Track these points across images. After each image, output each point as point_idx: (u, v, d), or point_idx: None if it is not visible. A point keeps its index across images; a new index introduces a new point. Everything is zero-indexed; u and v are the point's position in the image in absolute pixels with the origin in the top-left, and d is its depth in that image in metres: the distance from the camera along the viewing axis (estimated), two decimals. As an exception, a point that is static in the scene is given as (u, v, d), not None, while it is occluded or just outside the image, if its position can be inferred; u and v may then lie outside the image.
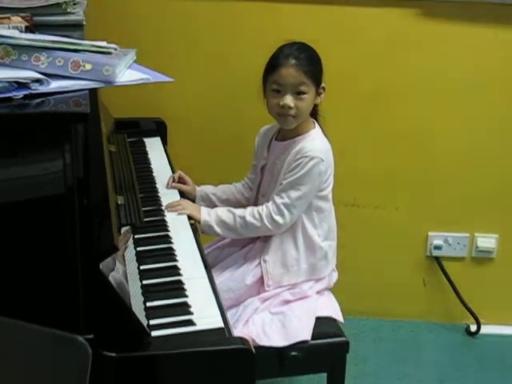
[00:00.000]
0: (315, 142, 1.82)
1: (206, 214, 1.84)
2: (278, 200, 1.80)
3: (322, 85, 1.84)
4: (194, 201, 1.97)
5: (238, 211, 1.84)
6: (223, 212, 1.85)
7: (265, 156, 1.95)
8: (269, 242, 1.85)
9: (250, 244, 1.92)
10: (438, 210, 2.56)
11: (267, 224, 1.80)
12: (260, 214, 1.80)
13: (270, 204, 1.81)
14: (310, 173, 1.78)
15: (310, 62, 1.80)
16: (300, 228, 1.85)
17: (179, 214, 1.80)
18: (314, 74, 1.80)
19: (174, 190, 1.95)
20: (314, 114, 1.90)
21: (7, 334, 0.89)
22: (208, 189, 2.04)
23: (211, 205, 1.99)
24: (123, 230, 1.51)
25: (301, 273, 1.86)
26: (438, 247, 2.59)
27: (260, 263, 1.84)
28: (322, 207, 1.86)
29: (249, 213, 1.82)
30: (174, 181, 1.98)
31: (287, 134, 1.88)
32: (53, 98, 1.24)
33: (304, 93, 1.78)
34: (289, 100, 1.78)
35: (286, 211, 1.79)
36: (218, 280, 1.69)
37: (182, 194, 1.95)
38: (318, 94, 1.84)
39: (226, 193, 2.04)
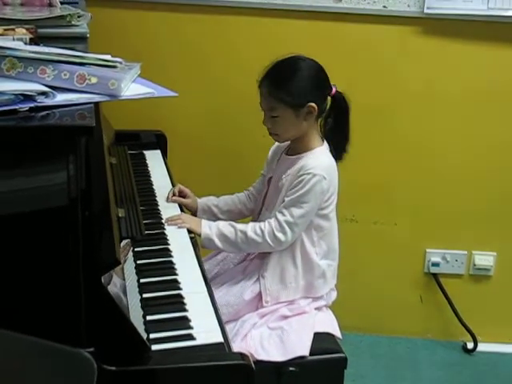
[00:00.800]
0: (318, 160, 1.80)
1: (207, 228, 1.82)
2: (281, 217, 1.78)
3: (310, 104, 1.77)
4: (195, 214, 1.97)
5: (240, 226, 1.82)
6: (224, 226, 1.84)
7: (273, 168, 1.93)
8: (267, 258, 1.84)
9: (248, 259, 1.92)
10: (437, 227, 2.57)
11: (269, 240, 1.79)
12: (262, 231, 1.79)
13: (272, 221, 1.80)
14: (312, 190, 1.76)
15: (287, 84, 1.75)
16: (299, 245, 1.83)
17: (179, 227, 1.79)
18: (290, 95, 1.75)
19: (174, 203, 1.95)
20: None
21: (10, 347, 0.88)
22: (210, 200, 2.01)
23: (213, 217, 1.97)
24: (123, 243, 1.51)
25: (298, 289, 1.85)
26: (435, 264, 2.59)
27: (258, 279, 1.84)
28: (321, 226, 1.84)
29: (250, 228, 1.80)
30: (173, 195, 1.97)
31: (295, 148, 1.87)
32: (58, 111, 1.24)
33: (276, 116, 1.78)
34: (265, 121, 1.81)
35: (287, 229, 1.78)
36: (216, 294, 1.68)
37: (183, 208, 1.95)
38: (307, 113, 1.78)
39: (228, 204, 2.02)
